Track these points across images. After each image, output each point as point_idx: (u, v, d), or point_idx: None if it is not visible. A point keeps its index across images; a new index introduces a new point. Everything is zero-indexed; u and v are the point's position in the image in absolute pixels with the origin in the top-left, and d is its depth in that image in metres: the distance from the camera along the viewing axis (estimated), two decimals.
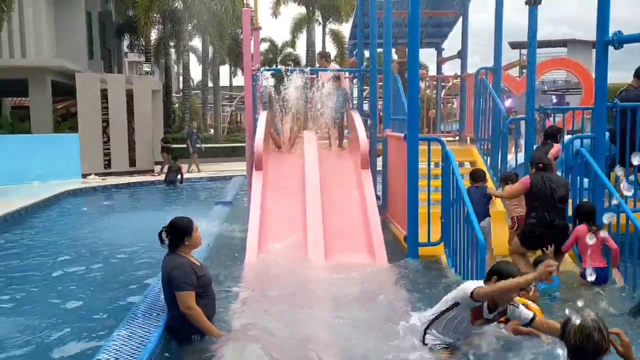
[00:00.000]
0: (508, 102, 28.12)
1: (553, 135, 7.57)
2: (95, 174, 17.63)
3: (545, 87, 38.21)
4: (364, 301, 5.44)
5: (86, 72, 21.12)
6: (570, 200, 6.42)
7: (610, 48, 6.43)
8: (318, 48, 36.61)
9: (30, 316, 5.30)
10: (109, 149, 18.67)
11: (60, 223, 10.85)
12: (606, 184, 6.11)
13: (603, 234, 5.58)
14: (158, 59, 32.05)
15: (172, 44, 31.51)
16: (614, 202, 5.90)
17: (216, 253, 7.44)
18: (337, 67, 11.38)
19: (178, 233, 4.52)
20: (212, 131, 35.40)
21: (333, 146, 9.73)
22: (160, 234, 4.53)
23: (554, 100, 34.81)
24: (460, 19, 11.84)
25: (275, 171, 8.56)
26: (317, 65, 9.64)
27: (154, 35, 30.15)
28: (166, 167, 18.03)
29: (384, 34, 8.78)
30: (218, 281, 5.70)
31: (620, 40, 6.30)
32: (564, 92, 34.83)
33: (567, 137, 7.88)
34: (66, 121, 21.10)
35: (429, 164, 7.10)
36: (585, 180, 6.65)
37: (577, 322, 2.63)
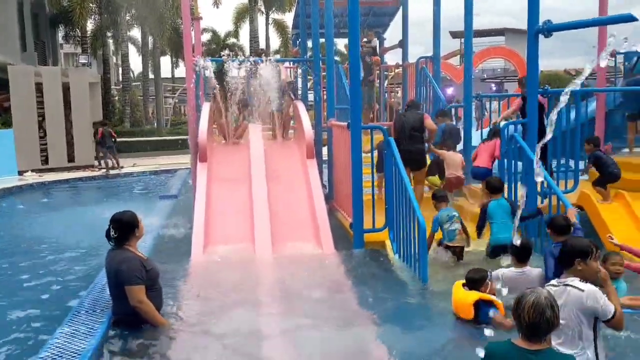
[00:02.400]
0: (450, 90, 28.82)
1: (496, 132, 7.97)
2: (32, 171, 16.98)
3: (485, 75, 39.34)
4: (313, 292, 5.47)
5: (19, 65, 20.22)
6: (505, 185, 6.71)
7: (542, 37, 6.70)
8: (262, 38, 36.39)
9: None
10: (45, 144, 17.97)
11: None
12: (542, 170, 6.39)
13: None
14: (95, 50, 30.98)
15: (109, 34, 30.53)
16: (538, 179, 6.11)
17: (162, 247, 7.35)
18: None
19: (126, 227, 4.47)
20: (155, 124, 34.65)
21: (278, 136, 9.74)
22: (107, 232, 4.45)
23: (493, 88, 35.90)
24: (401, 9, 12.07)
25: (220, 163, 8.50)
26: None
27: (90, 25, 29.15)
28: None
29: (325, 23, 8.85)
30: (164, 276, 5.63)
31: (549, 29, 6.57)
32: (502, 80, 35.96)
33: (502, 124, 8.22)
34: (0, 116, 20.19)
35: (372, 152, 7.23)
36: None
37: (531, 299, 2.68)
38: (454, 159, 8.08)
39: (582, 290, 3.29)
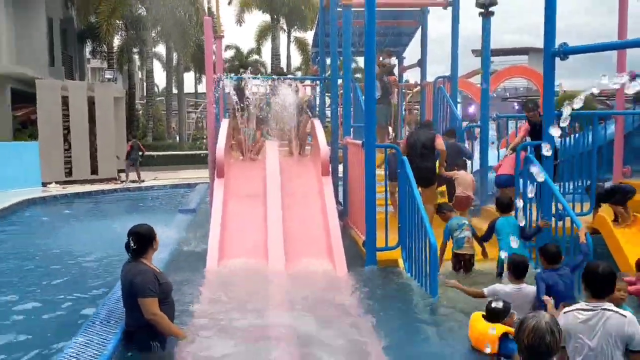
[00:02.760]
0: (471, 109, 28.72)
1: None
2: (56, 182, 17.34)
3: (507, 94, 39.17)
4: (323, 308, 5.52)
5: (47, 79, 20.75)
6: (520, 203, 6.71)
7: None
8: (283, 55, 36.82)
9: None
10: (70, 157, 18.37)
11: (19, 232, 10.67)
12: (553, 189, 6.39)
13: None
14: (121, 65, 31.67)
15: (135, 50, 31.20)
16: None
17: (178, 261, 7.46)
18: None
19: (143, 239, 4.58)
20: (177, 138, 35.14)
21: (295, 153, 9.85)
22: (127, 244, 4.57)
23: (516, 107, 35.69)
24: (420, 29, 12.16)
25: (237, 178, 8.63)
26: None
27: (116, 41, 29.81)
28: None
29: (343, 43, 8.98)
30: (179, 289, 5.75)
31: (565, 52, 6.60)
32: (524, 100, 35.74)
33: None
34: (26, 129, 20.69)
35: (386, 170, 7.29)
36: None
37: (532, 323, 2.68)
38: (465, 178, 8.14)
39: (624, 316, 3.26)
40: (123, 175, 19.21)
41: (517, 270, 4.96)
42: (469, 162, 9.35)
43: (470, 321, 4.57)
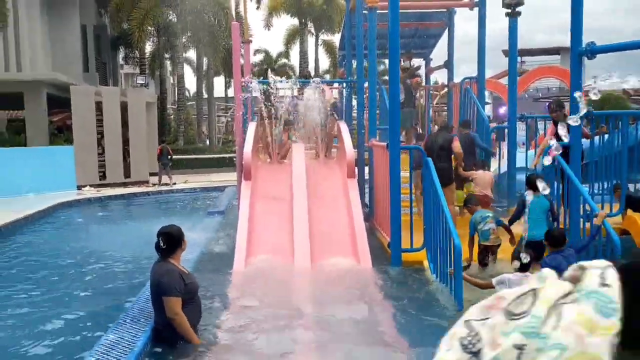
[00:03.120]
0: (502, 110, 28.35)
1: None
2: (90, 186, 17.80)
3: (540, 95, 38.55)
4: (349, 309, 5.58)
5: (81, 85, 21.34)
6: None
7: None
8: (311, 58, 36.98)
9: (20, 324, 5.47)
10: (103, 160, 18.85)
11: (55, 234, 11.01)
12: (581, 190, 6.32)
13: None
14: (153, 70, 32.33)
15: (167, 56, 31.80)
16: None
17: (207, 262, 7.61)
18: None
19: (173, 240, 4.72)
20: (207, 141, 35.63)
21: (321, 155, 9.93)
22: (157, 244, 4.71)
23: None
24: (447, 30, 12.13)
25: (264, 181, 8.76)
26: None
27: (148, 47, 30.43)
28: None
29: (368, 46, 9.02)
30: (206, 289, 5.88)
31: (593, 51, 6.52)
32: (556, 99, 35.14)
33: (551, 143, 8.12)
34: (62, 133, 21.29)
35: (410, 172, 7.31)
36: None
37: None
38: (483, 177, 8.28)
39: None
40: (154, 178, 19.66)
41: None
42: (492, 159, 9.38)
43: None
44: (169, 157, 19.55)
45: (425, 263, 6.87)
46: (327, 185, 8.58)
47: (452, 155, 8.28)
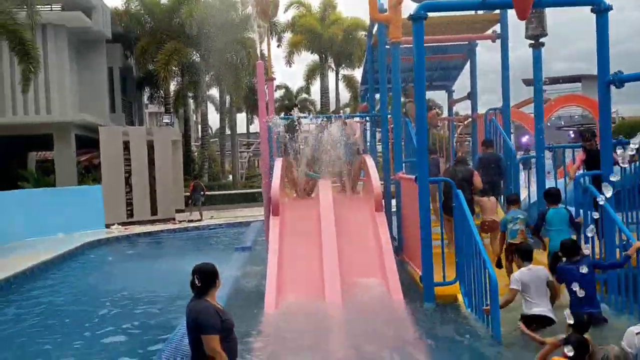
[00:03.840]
0: (525, 139, 28.21)
1: None
2: (118, 224, 18.03)
3: (562, 122, 38.31)
4: (380, 347, 5.50)
5: (108, 125, 21.84)
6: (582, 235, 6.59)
7: None
8: (332, 93, 37.39)
9: None
10: (131, 198, 19.12)
11: (84, 273, 11.13)
12: (615, 219, 6.22)
13: None
14: (177, 109, 32.97)
15: (190, 94, 32.44)
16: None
17: (237, 298, 7.61)
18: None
19: (209, 277, 4.72)
20: (230, 177, 35.96)
21: (348, 190, 9.93)
22: (192, 282, 4.73)
23: (571, 136, 34.84)
24: (469, 62, 12.19)
25: (292, 216, 8.77)
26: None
27: (172, 86, 31.11)
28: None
29: (392, 79, 9.11)
30: (238, 327, 5.85)
31: (621, 80, 6.53)
32: (580, 128, 34.88)
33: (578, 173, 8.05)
34: (90, 173, 21.73)
35: (440, 205, 7.27)
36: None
37: (600, 355, 2.70)
38: (487, 204, 8.61)
39: None
40: (180, 215, 19.92)
41: (522, 254, 5.85)
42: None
43: None
44: (202, 193, 20.20)
45: (460, 297, 6.77)
46: (355, 220, 8.56)
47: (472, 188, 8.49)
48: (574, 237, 6.37)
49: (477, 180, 8.58)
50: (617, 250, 6.31)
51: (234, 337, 4.82)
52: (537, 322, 5.44)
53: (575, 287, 5.31)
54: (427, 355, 5.15)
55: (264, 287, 7.24)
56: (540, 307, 5.53)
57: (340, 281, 7.07)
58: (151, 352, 5.48)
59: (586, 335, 4.13)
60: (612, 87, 6.68)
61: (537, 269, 5.71)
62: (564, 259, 5.67)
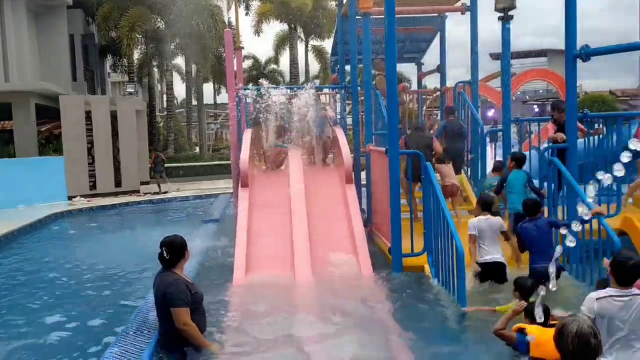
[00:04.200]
0: (491, 113, 28.56)
1: None
2: (81, 196, 17.64)
3: (527, 97, 38.92)
4: (350, 314, 5.56)
5: (70, 94, 21.18)
6: (546, 208, 6.73)
7: None
8: (301, 64, 36.99)
9: (20, 338, 5.39)
10: (94, 170, 18.68)
11: (47, 245, 10.87)
12: (578, 192, 6.35)
13: None
14: (141, 78, 32.16)
15: (155, 63, 31.65)
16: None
17: (205, 271, 7.55)
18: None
19: (177, 250, 4.68)
20: (197, 149, 35.49)
21: (318, 162, 9.90)
22: (160, 255, 4.66)
23: (536, 110, 35.47)
24: (438, 35, 12.18)
25: (261, 188, 8.71)
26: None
27: (136, 55, 30.27)
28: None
29: (362, 51, 9.03)
30: (207, 300, 5.82)
31: (587, 53, 6.60)
32: (544, 101, 35.51)
33: (543, 147, 8.19)
34: (50, 143, 21.10)
35: (410, 177, 7.31)
36: None
37: (574, 328, 2.68)
38: (445, 170, 9.02)
39: None
40: (145, 187, 19.66)
41: (483, 205, 6.41)
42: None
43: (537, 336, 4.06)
44: (163, 164, 19.92)
45: (427, 267, 6.87)
46: (325, 192, 8.55)
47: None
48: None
49: (437, 146, 8.85)
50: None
51: (202, 310, 4.81)
52: (490, 271, 6.11)
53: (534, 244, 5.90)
54: (394, 324, 5.21)
55: (232, 260, 7.21)
56: (493, 255, 6.16)
57: (309, 254, 7.07)
58: (117, 325, 5.40)
59: (560, 311, 4.27)
60: (579, 61, 6.77)
61: (493, 219, 6.29)
62: (526, 218, 6.14)
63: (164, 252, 4.62)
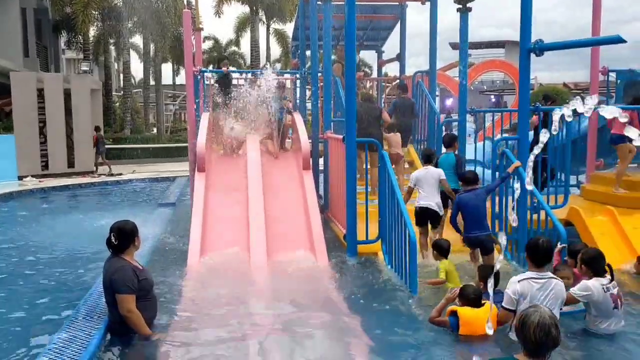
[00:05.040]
0: (449, 102, 28.96)
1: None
2: (32, 176, 17.10)
3: (485, 87, 39.59)
4: (302, 300, 5.60)
5: (21, 70, 20.40)
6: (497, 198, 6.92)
7: None
8: (262, 47, 36.63)
9: None
10: (46, 150, 18.11)
11: None
12: (522, 176, 6.54)
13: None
14: (97, 56, 31.24)
15: (112, 41, 30.78)
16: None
17: (160, 256, 7.47)
18: None
19: (126, 236, 4.60)
20: (154, 130, 34.82)
21: (276, 147, 9.87)
22: (109, 240, 4.58)
23: (492, 100, 36.14)
24: (399, 23, 12.25)
25: (218, 172, 8.65)
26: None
27: (92, 32, 29.37)
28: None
29: (323, 37, 9.02)
30: (160, 284, 5.77)
31: (541, 48, 6.75)
32: (501, 92, 36.21)
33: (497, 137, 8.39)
34: (0, 121, 20.34)
35: (365, 165, 7.39)
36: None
37: (536, 319, 2.80)
38: (393, 138, 9.42)
39: (562, 283, 4.29)
40: (100, 168, 19.20)
41: (424, 158, 7.14)
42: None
43: (461, 316, 4.51)
44: (104, 145, 19.82)
45: (380, 254, 6.98)
46: (283, 177, 8.56)
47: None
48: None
49: (386, 116, 9.43)
50: (528, 211, 6.68)
51: (153, 296, 4.76)
52: (423, 214, 6.89)
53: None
54: (347, 309, 5.29)
55: (187, 245, 7.16)
56: (428, 200, 6.84)
57: (265, 240, 7.08)
58: (67, 309, 5.30)
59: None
60: (533, 55, 6.93)
61: (433, 169, 6.98)
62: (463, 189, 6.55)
63: (112, 238, 4.55)
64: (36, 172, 17.52)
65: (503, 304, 4.31)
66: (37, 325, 5.15)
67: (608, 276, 4.60)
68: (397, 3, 11.67)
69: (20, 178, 16.78)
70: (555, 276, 4.32)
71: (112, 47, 32.67)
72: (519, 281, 4.21)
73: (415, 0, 10.88)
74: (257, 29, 35.43)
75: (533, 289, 4.15)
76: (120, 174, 18.61)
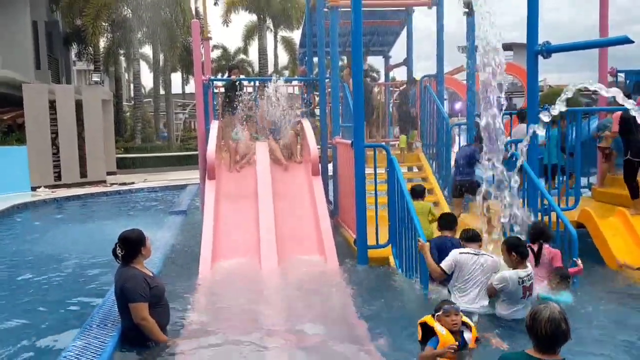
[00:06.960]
0: (458, 105, 28.89)
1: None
2: (45, 187, 17.28)
3: None
4: (316, 307, 5.62)
5: (33, 82, 20.65)
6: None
7: None
8: (270, 55, 36.80)
9: None
10: (58, 160, 18.29)
11: (10, 237, 10.65)
12: (538, 185, 6.54)
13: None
14: (107, 67, 31.54)
15: (122, 52, 31.08)
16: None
17: (171, 263, 7.53)
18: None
19: (133, 245, 4.63)
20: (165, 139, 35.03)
21: (285, 154, 9.89)
22: (114, 250, 4.63)
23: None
24: (405, 28, 12.27)
25: (228, 179, 8.71)
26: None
27: (102, 43, 29.67)
28: None
29: (330, 43, 9.06)
30: (173, 292, 5.81)
31: (548, 50, 6.75)
32: (509, 95, 36.10)
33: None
34: (13, 133, 20.57)
35: (375, 170, 7.40)
36: None
37: (546, 314, 2.88)
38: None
39: (495, 260, 5.18)
40: (112, 177, 19.33)
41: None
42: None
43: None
44: None
45: (391, 259, 6.98)
46: (292, 183, 8.60)
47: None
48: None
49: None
50: (539, 214, 6.67)
51: (165, 303, 4.80)
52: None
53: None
54: (357, 313, 5.30)
55: (198, 251, 7.21)
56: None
57: (276, 246, 7.12)
58: (80, 318, 5.36)
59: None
60: (541, 57, 6.93)
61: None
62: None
63: (117, 248, 4.60)
64: (49, 182, 17.69)
65: (442, 264, 5.25)
66: (51, 333, 5.20)
67: (530, 268, 5.01)
68: (403, 8, 11.69)
69: (33, 189, 16.95)
70: (489, 254, 5.26)
71: (122, 58, 32.96)
72: (460, 253, 5.20)
73: (422, 5, 10.91)
74: (264, 37, 35.61)
75: (467, 261, 5.13)
76: (133, 183, 18.75)
